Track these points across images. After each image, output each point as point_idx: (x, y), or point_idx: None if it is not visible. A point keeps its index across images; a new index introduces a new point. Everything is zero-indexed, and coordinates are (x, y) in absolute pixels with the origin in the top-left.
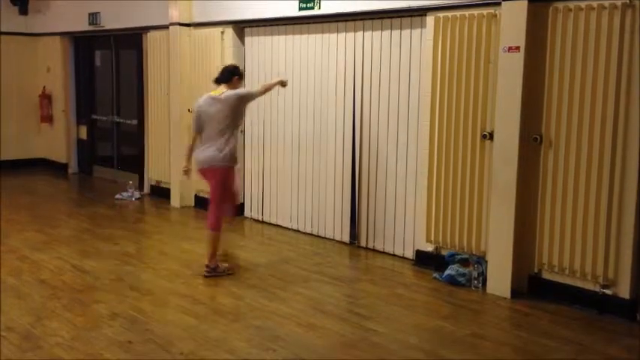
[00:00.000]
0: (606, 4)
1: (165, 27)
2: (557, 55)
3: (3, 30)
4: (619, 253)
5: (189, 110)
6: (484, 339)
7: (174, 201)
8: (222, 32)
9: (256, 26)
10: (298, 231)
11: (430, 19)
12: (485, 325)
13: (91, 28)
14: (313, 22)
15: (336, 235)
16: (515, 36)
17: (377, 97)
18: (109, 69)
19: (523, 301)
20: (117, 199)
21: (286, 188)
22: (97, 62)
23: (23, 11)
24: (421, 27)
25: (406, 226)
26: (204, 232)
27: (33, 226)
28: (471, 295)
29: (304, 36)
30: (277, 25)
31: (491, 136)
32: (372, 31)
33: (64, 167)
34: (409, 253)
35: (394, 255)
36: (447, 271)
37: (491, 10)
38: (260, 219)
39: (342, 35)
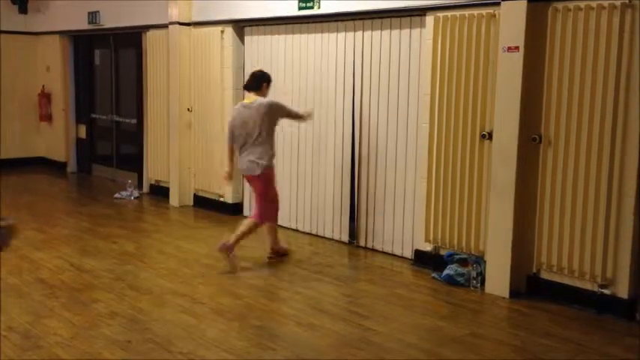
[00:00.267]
0: (605, 4)
1: (165, 26)
2: (557, 55)
3: (2, 29)
4: (617, 253)
5: (188, 109)
6: (483, 339)
7: (174, 200)
8: (222, 31)
9: (256, 25)
10: (297, 230)
11: (430, 19)
12: (483, 325)
13: (91, 27)
14: (313, 22)
15: (335, 234)
16: (514, 36)
17: (376, 97)
18: (109, 68)
19: (522, 301)
20: (116, 198)
21: (285, 188)
22: (97, 61)
23: (23, 10)
24: (420, 27)
25: (405, 226)
26: (254, 226)
27: (32, 224)
28: (469, 294)
29: (304, 35)
30: (277, 24)
31: (490, 135)
32: (372, 30)
33: (63, 166)
34: (408, 253)
35: (393, 255)
36: (446, 271)
37: (490, 10)
38: None
39: (341, 35)
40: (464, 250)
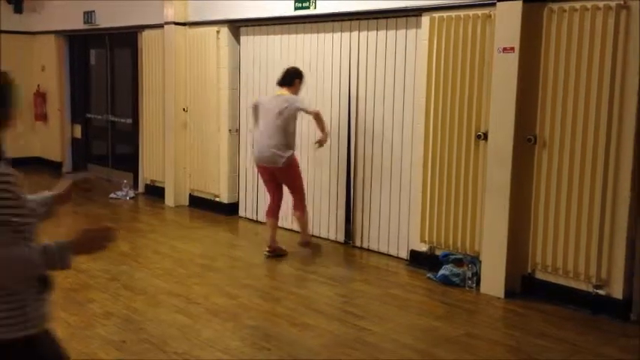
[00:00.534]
0: (600, 5)
1: (161, 26)
2: (552, 56)
3: None
4: (612, 254)
5: (184, 109)
6: (478, 339)
7: (169, 200)
8: (218, 31)
9: (252, 26)
10: (292, 231)
11: (425, 20)
12: (478, 325)
13: (86, 26)
14: (309, 22)
15: (331, 234)
16: (509, 37)
17: (372, 97)
18: (104, 68)
19: (517, 301)
20: (111, 198)
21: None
22: (92, 61)
23: (18, 10)
24: (416, 27)
25: (400, 226)
26: (269, 220)
27: None
28: (464, 295)
29: (300, 35)
30: (273, 24)
31: (485, 136)
32: (368, 31)
33: (58, 166)
34: (403, 253)
35: (389, 255)
36: (441, 271)
37: (486, 10)
38: (254, 219)
39: (337, 35)
40: (459, 251)
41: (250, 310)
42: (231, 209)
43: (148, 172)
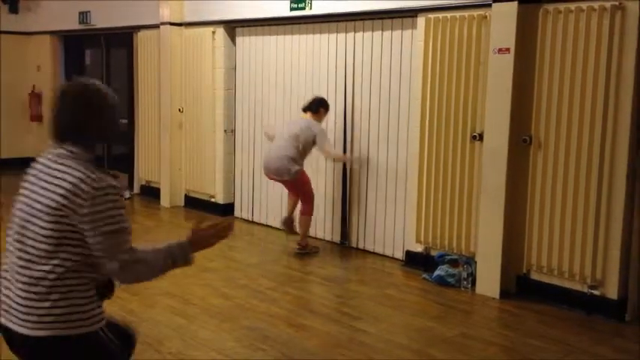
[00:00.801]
0: (596, 6)
1: (156, 26)
2: (547, 57)
3: None
4: (607, 254)
5: (179, 110)
6: (473, 339)
7: (165, 201)
8: (214, 32)
9: (247, 26)
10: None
11: (421, 20)
12: (474, 326)
13: (82, 26)
14: (304, 23)
15: (327, 235)
16: (505, 37)
17: (367, 98)
18: (100, 68)
19: (512, 302)
20: None
21: (276, 188)
22: (87, 61)
23: (13, 10)
24: (412, 28)
25: (396, 227)
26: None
27: None
28: (460, 295)
29: (295, 36)
30: (268, 25)
31: (481, 137)
32: (363, 31)
33: None
34: (399, 254)
35: (384, 255)
36: (437, 272)
37: (481, 11)
38: (250, 219)
39: (333, 36)
40: (454, 251)
41: (246, 311)
42: (226, 210)
43: (143, 172)
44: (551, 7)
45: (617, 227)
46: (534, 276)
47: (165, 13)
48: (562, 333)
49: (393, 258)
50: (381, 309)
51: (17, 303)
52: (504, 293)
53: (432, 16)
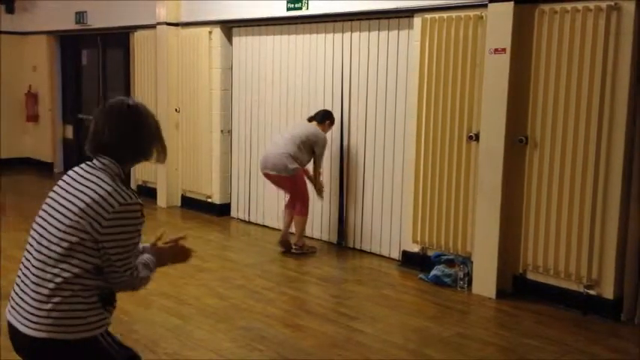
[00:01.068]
0: (591, 6)
1: (153, 26)
2: (543, 57)
3: None
4: (603, 254)
5: (176, 110)
6: (469, 339)
7: (161, 201)
8: (210, 32)
9: (244, 26)
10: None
11: (417, 21)
12: (470, 326)
13: (78, 26)
14: (301, 23)
15: (324, 235)
16: (501, 38)
17: (364, 98)
18: (96, 68)
19: (508, 302)
20: None
21: (273, 188)
22: (84, 61)
23: (10, 10)
24: (408, 28)
25: (392, 227)
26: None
27: (19, 225)
28: (456, 295)
29: (292, 36)
30: (265, 25)
31: (477, 137)
32: (360, 31)
33: (49, 167)
34: (395, 254)
35: (381, 255)
36: (433, 272)
37: (477, 12)
38: (247, 219)
39: (329, 36)
40: (451, 251)
41: (242, 311)
42: (223, 210)
43: (139, 172)
44: (547, 7)
45: (612, 227)
46: (530, 276)
47: (162, 13)
48: (558, 333)
49: (389, 258)
50: (377, 309)
51: (25, 302)
52: (500, 293)
53: (428, 16)
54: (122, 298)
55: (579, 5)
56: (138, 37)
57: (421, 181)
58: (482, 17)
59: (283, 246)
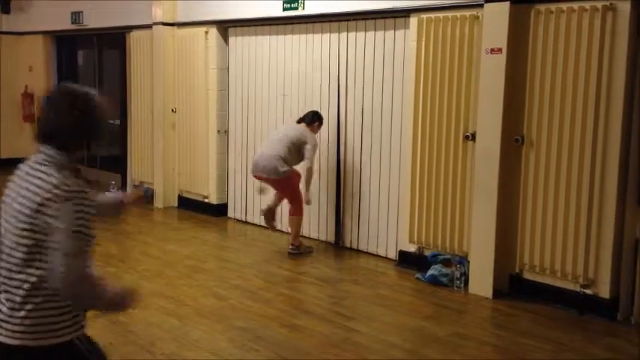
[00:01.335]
0: (587, 6)
1: (149, 26)
2: (539, 57)
3: None
4: (599, 254)
5: (172, 110)
6: (466, 339)
7: (158, 201)
8: (206, 32)
9: (240, 26)
10: (282, 231)
11: (413, 21)
12: (467, 325)
13: (74, 27)
14: (297, 23)
15: (321, 235)
16: (497, 38)
17: (361, 98)
18: (92, 68)
19: (504, 301)
20: None
21: (270, 189)
22: (80, 61)
23: (5, 10)
24: (405, 28)
25: (389, 227)
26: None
27: None
28: (453, 295)
29: (288, 36)
30: (261, 25)
31: (473, 137)
32: (356, 31)
33: None
34: (392, 254)
35: (378, 255)
36: (430, 272)
37: (473, 11)
38: (243, 219)
39: (326, 36)
40: (447, 251)
41: (239, 311)
42: (220, 210)
43: (136, 173)
44: (542, 7)
45: (608, 226)
46: (527, 275)
47: (158, 13)
48: (555, 332)
49: (386, 258)
50: (374, 309)
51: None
52: (497, 293)
53: (424, 16)
54: None
55: (575, 5)
56: (134, 37)
57: (417, 180)
58: (478, 17)
59: (266, 216)
